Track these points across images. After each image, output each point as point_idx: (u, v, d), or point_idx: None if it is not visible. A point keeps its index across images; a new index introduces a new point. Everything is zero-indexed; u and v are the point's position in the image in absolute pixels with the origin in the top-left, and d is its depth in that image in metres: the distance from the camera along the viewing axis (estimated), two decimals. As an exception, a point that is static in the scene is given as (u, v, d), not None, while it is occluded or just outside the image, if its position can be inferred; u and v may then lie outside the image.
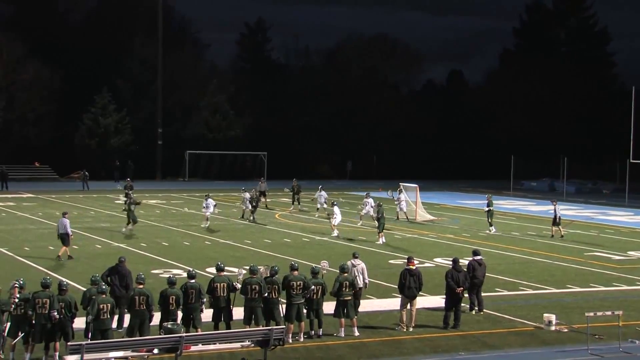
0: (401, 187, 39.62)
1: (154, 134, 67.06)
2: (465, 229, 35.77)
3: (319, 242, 30.98)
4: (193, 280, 15.92)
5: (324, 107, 74.20)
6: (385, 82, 79.75)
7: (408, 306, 17.40)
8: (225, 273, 16.66)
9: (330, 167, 73.95)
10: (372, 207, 34.89)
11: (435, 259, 26.81)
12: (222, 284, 16.18)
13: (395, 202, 39.10)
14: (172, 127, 68.80)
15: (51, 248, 27.81)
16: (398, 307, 17.68)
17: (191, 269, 16.56)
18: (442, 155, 75.89)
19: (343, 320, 16.71)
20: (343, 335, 16.60)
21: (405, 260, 18.05)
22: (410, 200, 39.92)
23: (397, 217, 38.56)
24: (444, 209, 45.06)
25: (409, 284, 17.29)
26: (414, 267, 17.52)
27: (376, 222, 31.66)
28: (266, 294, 16.14)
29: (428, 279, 22.20)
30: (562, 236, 32.98)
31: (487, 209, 35.01)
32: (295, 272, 16.49)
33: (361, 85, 76.16)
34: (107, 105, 66.40)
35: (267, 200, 44.36)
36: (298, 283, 16.31)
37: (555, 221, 33.24)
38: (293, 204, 42.49)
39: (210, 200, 34.88)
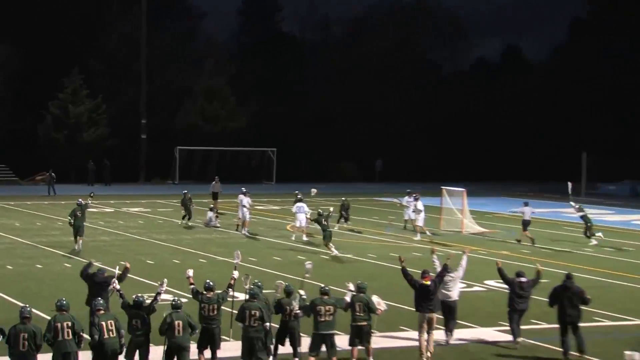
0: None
1: (137, 125, 67.29)
2: (525, 244, 35.60)
3: (339, 258, 30.93)
4: (179, 311, 16.26)
5: (348, 92, 74.16)
6: (424, 60, 79.60)
7: (426, 327, 17.93)
8: (217, 291, 17.05)
9: (355, 167, 73.87)
10: (414, 210, 36.34)
11: (486, 282, 26.69)
12: (211, 306, 16.69)
13: (405, 205, 38.65)
14: (159, 118, 69.01)
15: (9, 267, 27.94)
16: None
17: (176, 298, 16.74)
18: (495, 152, 75.62)
19: (356, 349, 17.22)
20: None
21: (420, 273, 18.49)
22: (456, 208, 39.85)
23: (405, 225, 38.65)
24: (497, 218, 44.86)
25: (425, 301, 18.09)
26: (428, 283, 18.08)
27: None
28: (268, 324, 16.51)
29: (479, 306, 22.10)
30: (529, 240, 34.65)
31: (581, 214, 36.12)
32: (326, 296, 17.04)
33: (393, 64, 76.06)
34: (79, 90, 66.68)
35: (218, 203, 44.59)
36: (327, 308, 16.76)
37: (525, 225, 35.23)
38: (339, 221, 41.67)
39: (244, 198, 36.16)
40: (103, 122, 67.17)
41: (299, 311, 17.02)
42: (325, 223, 32.20)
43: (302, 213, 34.96)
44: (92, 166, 62.91)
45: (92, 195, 34.63)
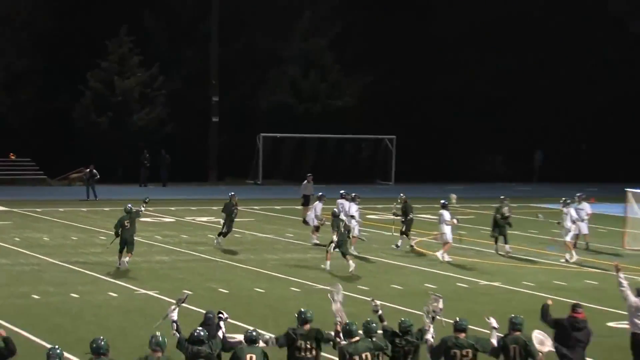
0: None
1: (206, 105, 67.87)
2: None
3: (483, 289, 30.76)
4: (256, 346, 16.37)
5: (493, 61, 73.66)
6: (605, 14, 78.59)
7: None
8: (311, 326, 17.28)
9: (505, 162, 73.36)
10: (575, 218, 36.65)
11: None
12: (308, 343, 17.01)
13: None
14: (236, 94, 69.49)
15: (35, 297, 28.37)
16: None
17: (251, 329, 16.83)
18: None
19: None
20: None
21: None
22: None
23: (576, 242, 38.15)
24: None
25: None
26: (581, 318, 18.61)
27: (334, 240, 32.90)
28: None
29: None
30: None
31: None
32: (462, 335, 17.01)
33: (559, 21, 75.31)
34: (128, 57, 67.55)
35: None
36: (465, 352, 16.80)
37: None
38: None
39: (352, 205, 37.11)
40: (160, 101, 67.89)
41: (430, 338, 17.15)
42: (344, 231, 32.72)
43: (443, 224, 35.25)
44: (147, 159, 63.53)
45: (147, 200, 34.66)
